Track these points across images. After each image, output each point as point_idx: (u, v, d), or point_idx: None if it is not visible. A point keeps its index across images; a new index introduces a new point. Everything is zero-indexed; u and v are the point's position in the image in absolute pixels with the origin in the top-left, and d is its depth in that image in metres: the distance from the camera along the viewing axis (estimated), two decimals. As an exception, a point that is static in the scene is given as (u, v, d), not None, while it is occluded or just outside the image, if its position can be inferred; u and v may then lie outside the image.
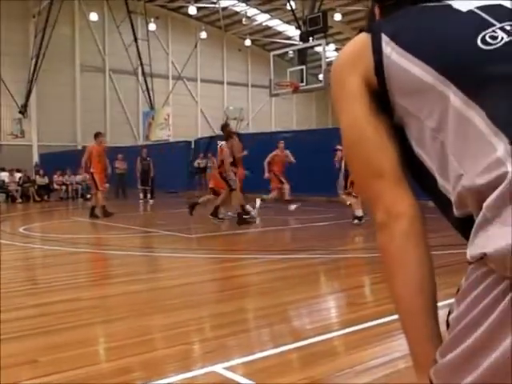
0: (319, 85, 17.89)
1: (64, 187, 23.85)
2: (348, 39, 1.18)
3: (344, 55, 1.05)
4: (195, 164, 22.59)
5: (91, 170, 13.12)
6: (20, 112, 28.42)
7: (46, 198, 22.92)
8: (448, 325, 0.88)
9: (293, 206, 13.19)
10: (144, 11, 30.57)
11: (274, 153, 13.50)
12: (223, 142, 11.87)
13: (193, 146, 24.45)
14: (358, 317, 4.17)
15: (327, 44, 19.10)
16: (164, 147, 25.06)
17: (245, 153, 11.97)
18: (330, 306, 4.99)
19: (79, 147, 30.00)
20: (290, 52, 19.74)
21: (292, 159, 13.43)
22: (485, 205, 0.78)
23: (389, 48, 0.96)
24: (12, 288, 5.58)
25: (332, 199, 13.44)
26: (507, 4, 0.97)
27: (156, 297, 5.17)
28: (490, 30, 0.91)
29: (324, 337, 3.69)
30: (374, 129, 0.99)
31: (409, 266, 0.94)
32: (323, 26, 16.62)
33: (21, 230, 11.35)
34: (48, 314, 4.46)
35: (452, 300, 0.87)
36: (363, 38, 1.02)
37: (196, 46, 33.89)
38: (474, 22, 0.94)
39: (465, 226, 0.87)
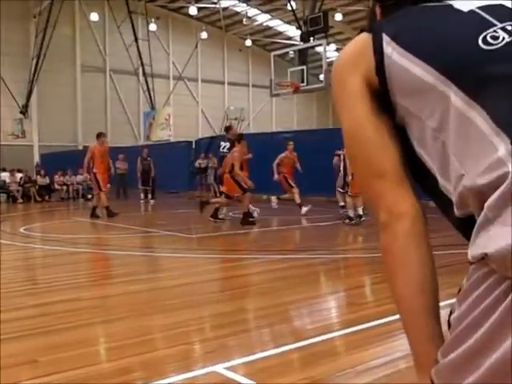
0: (320, 85, 17.89)
1: (65, 187, 23.85)
2: (349, 39, 1.18)
3: (345, 55, 1.05)
4: (196, 164, 22.59)
5: (94, 171, 13.03)
6: (21, 112, 28.44)
7: (46, 198, 22.92)
8: (449, 325, 0.88)
9: (305, 209, 12.93)
10: (145, 11, 30.57)
11: (283, 154, 13.27)
12: (227, 144, 11.83)
13: (194, 146, 24.44)
14: (358, 317, 4.17)
15: (328, 44, 19.09)
16: (165, 147, 25.07)
17: (249, 156, 11.92)
18: (331, 306, 4.99)
19: (80, 147, 30.03)
20: (291, 52, 19.75)
21: (299, 166, 13.33)
22: (486, 205, 0.78)
23: (390, 48, 0.96)
24: (12, 288, 5.58)
25: (332, 199, 13.42)
26: (508, 4, 0.97)
27: (156, 297, 5.18)
28: (492, 30, 0.91)
29: (325, 337, 3.69)
30: (376, 129, 0.99)
31: (410, 266, 0.94)
32: (324, 26, 16.61)
33: (21, 230, 11.35)
34: (48, 314, 4.46)
35: (453, 300, 0.87)
36: (364, 38, 1.02)
37: (197, 47, 33.89)
38: (475, 22, 0.94)
39: (466, 226, 0.86)
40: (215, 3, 30.87)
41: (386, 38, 0.97)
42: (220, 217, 11.55)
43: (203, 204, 11.83)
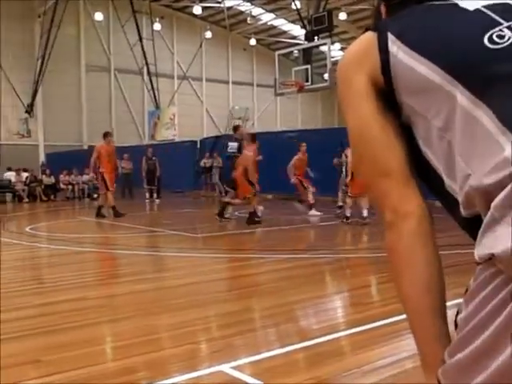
0: (324, 84, 17.83)
1: (70, 187, 23.90)
2: (353, 38, 1.18)
3: (350, 54, 1.05)
4: (201, 163, 22.62)
5: (101, 170, 12.98)
6: (26, 112, 28.49)
7: (52, 197, 22.98)
8: (456, 325, 0.88)
9: (314, 212, 12.82)
10: (149, 11, 30.61)
11: (296, 157, 13.13)
12: (234, 144, 11.77)
13: (198, 145, 24.46)
14: (364, 317, 4.17)
15: (332, 43, 19.08)
16: (170, 147, 25.09)
17: (260, 157, 11.82)
18: (337, 306, 4.98)
19: (85, 147, 30.10)
20: (295, 51, 19.70)
21: (310, 171, 13.22)
22: (493, 205, 0.78)
23: (395, 47, 0.96)
24: (17, 287, 5.60)
25: (337, 199, 13.39)
26: (514, 3, 0.97)
27: (162, 296, 5.18)
28: (497, 28, 0.91)
29: (330, 337, 3.69)
30: (381, 128, 0.99)
31: (416, 266, 0.94)
32: (328, 25, 16.57)
33: (27, 229, 11.39)
34: (53, 313, 4.47)
35: (460, 300, 0.86)
36: (369, 37, 1.01)
37: (201, 46, 33.90)
38: (481, 20, 0.93)
39: (472, 226, 0.86)
40: (219, 2, 30.86)
41: (391, 36, 0.97)
42: (226, 216, 11.55)
43: (225, 205, 11.63)
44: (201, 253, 7.86)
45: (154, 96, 30.68)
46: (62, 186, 23.83)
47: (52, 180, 23.53)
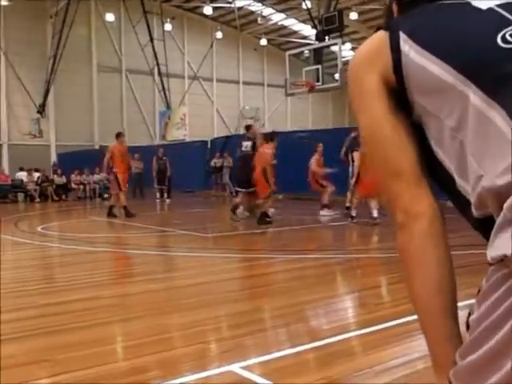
0: (335, 84, 17.80)
1: (81, 187, 24.02)
2: (364, 38, 1.18)
3: (362, 53, 1.04)
4: (211, 163, 22.66)
5: (114, 170, 13.01)
6: (38, 112, 28.67)
7: (63, 197, 23.10)
8: (468, 326, 0.87)
9: (325, 213, 12.72)
10: (160, 11, 30.72)
11: (314, 157, 13.02)
12: (249, 143, 11.75)
13: (209, 145, 24.50)
14: (375, 317, 4.15)
15: (343, 43, 19.02)
16: (180, 147, 25.15)
17: (274, 162, 11.74)
18: (347, 306, 4.97)
19: (96, 147, 30.28)
20: (306, 51, 19.72)
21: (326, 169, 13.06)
22: (505, 205, 0.77)
23: (407, 46, 0.95)
24: (29, 286, 5.63)
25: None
26: (528, 2, 0.96)
27: (173, 296, 5.19)
28: (510, 28, 0.90)
29: (341, 337, 3.68)
30: (393, 127, 0.98)
31: (428, 266, 0.94)
32: (339, 25, 16.55)
33: (39, 228, 11.45)
34: (66, 312, 4.49)
35: (472, 301, 0.86)
36: (381, 36, 1.01)
37: (212, 46, 33.95)
38: (494, 19, 0.93)
39: (485, 227, 0.86)
40: (230, 3, 30.90)
41: (403, 35, 0.97)
42: (238, 216, 11.53)
43: (253, 208, 11.47)
44: (211, 252, 7.87)
45: (165, 96, 30.78)
46: (73, 185, 23.96)
47: (63, 180, 23.66)
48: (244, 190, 11.67)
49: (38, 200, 22.27)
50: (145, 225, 11.61)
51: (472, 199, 0.88)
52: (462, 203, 0.92)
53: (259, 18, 32.16)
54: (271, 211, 11.46)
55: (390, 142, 0.98)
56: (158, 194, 20.38)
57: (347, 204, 11.71)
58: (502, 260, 0.78)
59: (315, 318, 4.46)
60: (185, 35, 35.07)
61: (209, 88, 36.33)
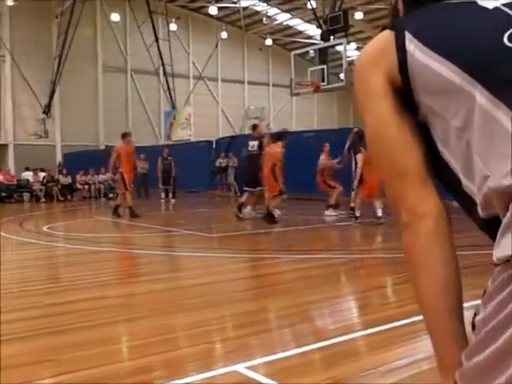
0: (340, 84, 17.77)
1: (87, 187, 24.10)
2: (369, 38, 1.17)
3: (367, 53, 1.04)
4: (216, 163, 22.68)
5: (120, 170, 13.04)
6: (44, 112, 28.76)
7: (69, 197, 23.17)
8: (474, 327, 0.87)
9: (330, 213, 12.67)
10: (165, 11, 30.75)
11: (322, 157, 12.98)
12: (255, 142, 11.76)
13: (214, 145, 24.52)
14: (381, 317, 4.14)
15: (348, 43, 19.04)
16: (185, 147, 25.18)
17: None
18: (353, 306, 4.96)
19: (102, 147, 30.35)
20: (311, 51, 19.73)
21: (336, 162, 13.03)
22: (511, 206, 0.77)
23: (412, 45, 0.95)
24: (35, 286, 5.65)
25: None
26: (535, 1, 0.95)
27: (178, 296, 5.20)
28: None
29: (347, 337, 3.67)
30: (398, 127, 0.98)
31: (433, 266, 0.93)
32: (344, 24, 16.54)
33: (44, 228, 11.49)
34: (70, 312, 4.50)
35: (478, 301, 0.86)
36: (386, 36, 1.01)
37: (217, 46, 33.97)
38: (501, 19, 0.92)
39: (491, 227, 0.85)
40: (235, 3, 30.91)
41: (408, 35, 0.96)
42: (246, 215, 11.51)
43: (269, 210, 11.37)
44: (216, 253, 7.88)
45: (170, 96, 30.81)
46: (78, 185, 24.04)
47: (69, 180, 23.74)
48: (251, 189, 11.67)
49: (43, 200, 22.34)
50: (150, 225, 11.63)
51: (478, 199, 0.87)
52: (467, 203, 0.92)
53: (264, 18, 32.18)
54: (277, 213, 11.44)
55: (396, 142, 0.98)
56: (162, 194, 20.41)
57: (351, 204, 11.71)
58: (508, 260, 0.77)
59: (320, 318, 4.46)
60: (190, 35, 35.11)
61: (214, 88, 36.35)
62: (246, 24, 33.07)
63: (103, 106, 31.81)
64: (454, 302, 0.94)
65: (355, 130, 11.47)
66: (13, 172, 24.98)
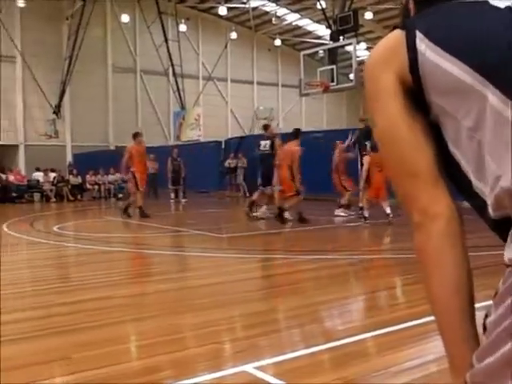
0: (350, 84, 17.72)
1: (96, 187, 24.20)
2: (379, 38, 1.17)
3: (377, 53, 1.04)
4: (226, 164, 22.71)
5: (132, 170, 13.05)
6: (54, 113, 28.90)
7: (79, 197, 23.29)
8: (485, 328, 0.86)
9: (341, 213, 12.63)
10: (175, 12, 30.82)
11: (336, 151, 13.02)
12: (267, 142, 11.76)
13: (223, 146, 24.54)
14: (391, 318, 4.13)
15: (358, 43, 18.96)
16: (195, 147, 25.21)
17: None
18: (362, 307, 4.94)
19: (111, 147, 30.48)
20: (321, 51, 19.62)
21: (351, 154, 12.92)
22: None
23: (423, 45, 0.94)
24: (45, 286, 5.67)
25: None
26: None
27: (186, 296, 5.20)
28: None
29: (356, 338, 3.66)
30: (409, 127, 0.97)
31: (445, 267, 0.93)
32: (354, 24, 16.48)
33: (55, 228, 11.54)
34: (80, 311, 4.51)
35: (490, 302, 0.85)
36: (397, 35, 1.00)
37: (226, 47, 33.98)
38: None
39: (502, 228, 0.85)
40: (245, 3, 30.92)
41: (419, 34, 0.96)
42: (261, 214, 11.50)
43: (282, 211, 11.31)
44: (225, 253, 7.88)
45: (180, 97, 30.88)
46: (88, 185, 24.15)
47: (79, 180, 23.86)
48: (263, 188, 11.72)
49: (53, 200, 22.47)
50: (159, 225, 11.65)
51: (489, 200, 0.87)
52: (478, 204, 0.91)
53: (274, 19, 32.18)
54: (288, 215, 11.43)
55: (407, 142, 0.97)
56: (172, 195, 20.46)
57: (360, 204, 11.70)
58: (520, 261, 0.77)
59: (330, 319, 4.45)
60: (199, 36, 35.17)
61: (223, 88, 36.39)
62: (255, 24, 33.08)
63: (113, 106, 31.92)
64: (466, 302, 0.93)
65: (361, 126, 11.51)
66: (23, 172, 25.12)
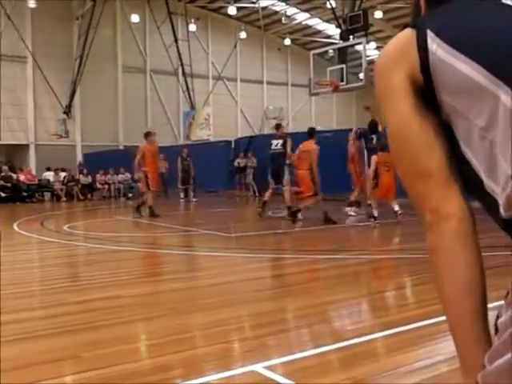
0: (360, 84, 17.71)
1: (106, 186, 24.29)
2: (389, 37, 1.16)
3: (388, 52, 1.03)
4: (235, 163, 22.73)
5: (144, 169, 13.06)
6: (64, 113, 29.08)
7: (89, 196, 23.40)
8: (497, 329, 0.85)
9: (351, 212, 12.62)
10: (184, 12, 30.91)
11: (350, 143, 13.01)
12: (279, 141, 11.78)
13: (233, 145, 24.56)
14: (400, 318, 4.11)
15: (368, 42, 18.95)
16: (204, 147, 25.25)
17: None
18: (371, 307, 4.93)
19: (121, 147, 30.60)
20: (330, 51, 19.67)
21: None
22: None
23: (434, 45, 0.94)
24: (55, 284, 5.70)
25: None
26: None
27: (195, 295, 5.21)
28: None
29: (366, 338, 3.64)
30: (420, 126, 0.97)
31: (457, 267, 0.92)
32: (364, 24, 16.46)
33: (65, 227, 11.60)
34: (89, 310, 4.53)
35: (502, 302, 0.84)
36: (407, 34, 0.99)
37: (236, 46, 34.04)
38: None
39: (513, 228, 0.84)
40: (254, 3, 30.95)
41: (430, 33, 0.95)
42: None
43: (296, 212, 11.30)
44: (234, 252, 7.89)
45: (189, 96, 30.95)
46: (98, 185, 24.25)
47: (89, 179, 23.96)
48: (275, 186, 11.74)
49: (63, 199, 22.59)
50: (169, 224, 11.68)
51: (501, 200, 0.86)
52: (489, 204, 0.90)
53: (283, 18, 32.18)
54: (299, 215, 11.43)
55: (418, 142, 0.97)
56: (181, 194, 20.50)
57: (368, 201, 11.72)
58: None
59: (338, 319, 4.44)
60: (209, 35, 35.21)
61: (233, 88, 36.42)
62: (264, 24, 33.10)
63: (123, 106, 32.04)
64: (478, 303, 0.92)
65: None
66: (34, 172, 25.26)
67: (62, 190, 22.97)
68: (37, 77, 29.18)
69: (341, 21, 18.92)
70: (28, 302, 4.94)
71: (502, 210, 0.86)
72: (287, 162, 11.74)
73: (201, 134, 29.43)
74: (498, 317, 0.86)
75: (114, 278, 5.98)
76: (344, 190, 13.78)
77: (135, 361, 3.33)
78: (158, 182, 14.45)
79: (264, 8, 32.02)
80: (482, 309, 0.92)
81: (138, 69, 33.05)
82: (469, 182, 0.95)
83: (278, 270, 6.86)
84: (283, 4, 32.02)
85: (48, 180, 23.26)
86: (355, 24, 16.55)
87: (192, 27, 31.62)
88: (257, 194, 20.91)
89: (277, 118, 29.96)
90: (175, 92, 33.39)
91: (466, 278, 0.92)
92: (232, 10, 29.70)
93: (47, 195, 23.09)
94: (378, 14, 28.29)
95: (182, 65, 30.65)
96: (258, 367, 3.11)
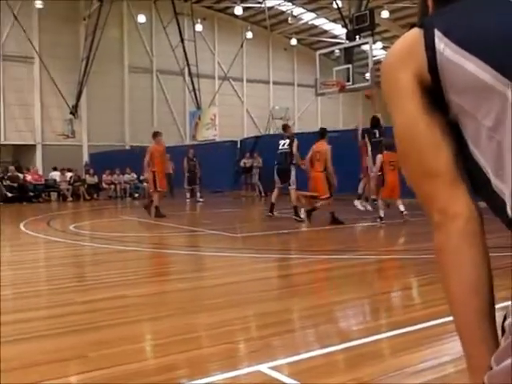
0: (366, 84, 17.66)
1: (113, 186, 24.34)
2: (396, 37, 1.15)
3: (395, 52, 1.02)
4: (241, 164, 22.75)
5: (152, 169, 13.06)
6: (71, 113, 29.17)
7: (95, 196, 23.45)
8: (503, 330, 0.85)
9: (359, 205, 12.72)
10: (191, 12, 30.95)
11: (359, 138, 13.11)
12: (286, 141, 11.80)
13: (239, 145, 24.57)
14: (406, 319, 4.10)
15: (374, 42, 18.93)
16: (210, 147, 25.28)
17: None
18: (377, 308, 4.92)
19: (127, 147, 30.67)
20: (337, 51, 19.65)
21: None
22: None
23: (442, 44, 0.93)
24: (61, 284, 5.72)
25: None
26: None
27: (201, 295, 5.21)
28: None
29: (371, 338, 3.64)
30: (428, 126, 0.96)
31: (464, 266, 0.92)
32: (370, 23, 16.44)
33: (71, 227, 11.63)
34: (95, 310, 4.54)
35: (509, 303, 0.84)
36: (415, 34, 0.99)
37: (242, 46, 34.05)
38: None
39: (521, 229, 0.83)
40: (260, 3, 30.95)
41: (437, 33, 0.94)
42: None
43: (310, 212, 11.19)
44: (240, 252, 7.89)
45: (195, 96, 30.99)
46: (104, 185, 24.30)
47: (95, 179, 24.02)
48: (281, 185, 11.80)
49: (70, 199, 22.65)
50: (175, 224, 11.69)
51: (508, 200, 0.85)
52: (497, 204, 0.90)
53: (289, 18, 32.17)
54: (303, 213, 11.44)
55: (425, 142, 0.96)
56: (187, 194, 20.53)
57: (372, 196, 11.74)
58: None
59: (345, 319, 4.43)
60: (215, 36, 35.24)
61: (239, 88, 36.43)
62: (271, 24, 33.09)
63: (129, 106, 32.11)
64: (485, 302, 0.92)
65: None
66: (40, 172, 25.35)
67: (68, 189, 23.03)
68: (43, 77, 29.30)
69: (347, 20, 18.90)
70: (34, 301, 4.96)
71: (509, 211, 0.86)
72: (293, 161, 11.76)
73: (207, 134, 29.46)
74: (505, 318, 0.85)
75: (121, 278, 5.99)
76: (350, 191, 13.76)
77: (140, 361, 3.34)
78: (166, 182, 14.44)
79: (270, 8, 32.01)
80: (488, 309, 0.92)
81: (145, 69, 33.11)
82: (476, 182, 0.95)
83: (284, 270, 6.85)
84: (289, 4, 32.01)
85: (54, 180, 23.33)
86: (361, 24, 16.52)
87: (198, 27, 31.66)
88: (263, 194, 20.91)
89: (283, 118, 29.93)
90: (181, 92, 33.43)
91: (473, 278, 0.91)
92: (238, 10, 29.71)
93: (54, 195, 23.16)
94: (385, 14, 28.21)
95: (188, 65, 30.69)
96: (264, 367, 3.10)
